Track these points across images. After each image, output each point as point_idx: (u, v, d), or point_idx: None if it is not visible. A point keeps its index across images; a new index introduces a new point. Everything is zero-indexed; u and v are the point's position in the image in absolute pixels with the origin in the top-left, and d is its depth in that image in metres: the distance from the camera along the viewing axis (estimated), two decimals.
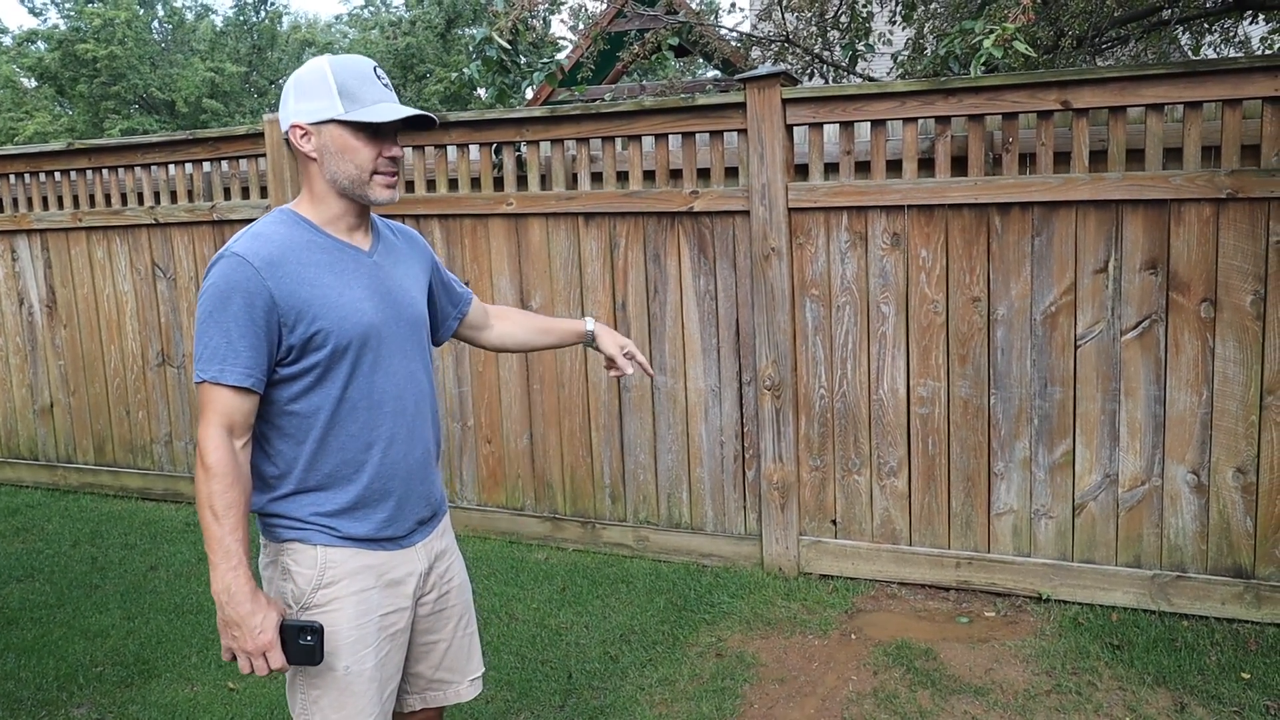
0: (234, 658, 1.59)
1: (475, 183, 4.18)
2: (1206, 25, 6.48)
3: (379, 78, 1.65)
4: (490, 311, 2.12)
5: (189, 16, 29.11)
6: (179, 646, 3.38)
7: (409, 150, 4.25)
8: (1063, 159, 3.30)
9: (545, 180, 4.06)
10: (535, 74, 5.05)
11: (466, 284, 4.19)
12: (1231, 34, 7.04)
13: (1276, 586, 3.20)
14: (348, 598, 1.67)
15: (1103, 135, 3.24)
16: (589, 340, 2.14)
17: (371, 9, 30.34)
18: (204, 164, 4.70)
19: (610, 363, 2.13)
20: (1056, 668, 3.03)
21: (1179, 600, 3.31)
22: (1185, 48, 6.86)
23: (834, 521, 3.75)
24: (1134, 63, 5.75)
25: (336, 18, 33.67)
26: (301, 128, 1.63)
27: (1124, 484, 3.34)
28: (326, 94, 1.61)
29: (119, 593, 3.87)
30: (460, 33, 25.74)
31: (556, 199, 3.99)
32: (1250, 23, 6.92)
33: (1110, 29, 4.90)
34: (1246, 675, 2.93)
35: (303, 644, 1.59)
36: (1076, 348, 3.34)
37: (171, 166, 4.76)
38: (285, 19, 31.85)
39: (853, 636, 3.30)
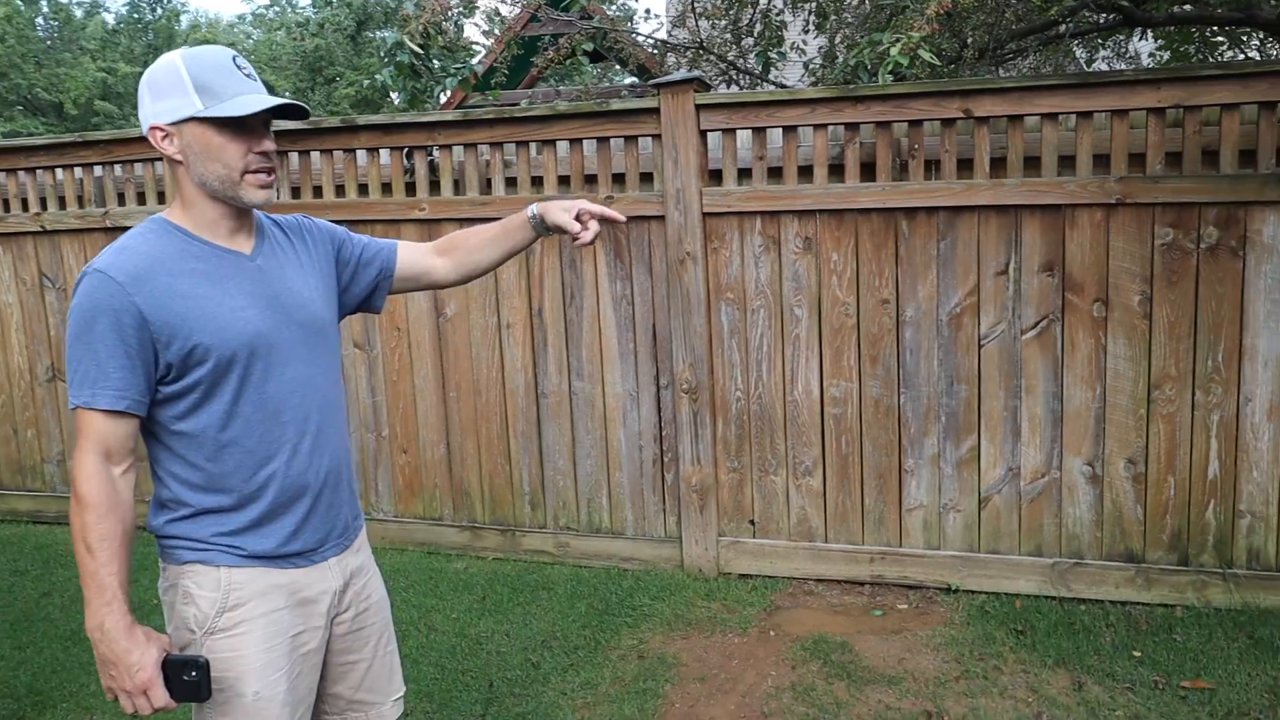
0: (116, 697, 1.52)
1: (386, 188, 4.11)
2: (1100, 40, 6.81)
3: (239, 68, 1.56)
4: (430, 249, 1.94)
5: (77, 13, 27.86)
6: (76, 675, 3.22)
7: (316, 154, 4.16)
8: (966, 165, 3.43)
9: (459, 185, 4.02)
10: (448, 79, 5.00)
11: None
12: (1123, 49, 7.42)
13: (1164, 570, 3.37)
14: (255, 620, 1.60)
15: (1003, 143, 3.38)
16: (539, 227, 1.85)
17: (276, 9, 29.55)
18: (95, 168, 4.49)
19: (571, 234, 1.80)
20: (965, 655, 3.13)
21: (1077, 586, 3.46)
22: (1080, 61, 7.19)
23: (752, 522, 3.81)
24: (1033, 74, 6.01)
25: (239, 17, 32.71)
26: (161, 129, 1.54)
27: (1026, 477, 3.48)
28: (181, 90, 1.52)
29: (8, 621, 3.67)
30: (371, 35, 25.28)
31: (470, 204, 3.95)
32: (1140, 39, 7.30)
33: (1010, 41, 5.11)
34: (1138, 653, 3.08)
35: (187, 680, 1.51)
36: (980, 347, 3.47)
37: (59, 170, 4.54)
38: (184, 18, 30.78)
39: (772, 633, 3.36)
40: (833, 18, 5.53)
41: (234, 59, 1.57)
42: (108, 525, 1.48)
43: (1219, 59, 6.42)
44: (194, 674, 1.51)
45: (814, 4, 5.56)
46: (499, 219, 4.11)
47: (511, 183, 3.97)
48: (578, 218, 1.81)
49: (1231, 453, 3.29)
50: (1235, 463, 3.29)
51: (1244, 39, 6.49)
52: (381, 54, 4.77)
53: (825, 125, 3.48)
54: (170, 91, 1.53)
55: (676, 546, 3.88)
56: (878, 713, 2.83)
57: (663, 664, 3.15)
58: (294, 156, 4.18)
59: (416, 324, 4.11)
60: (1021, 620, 3.34)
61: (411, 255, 1.93)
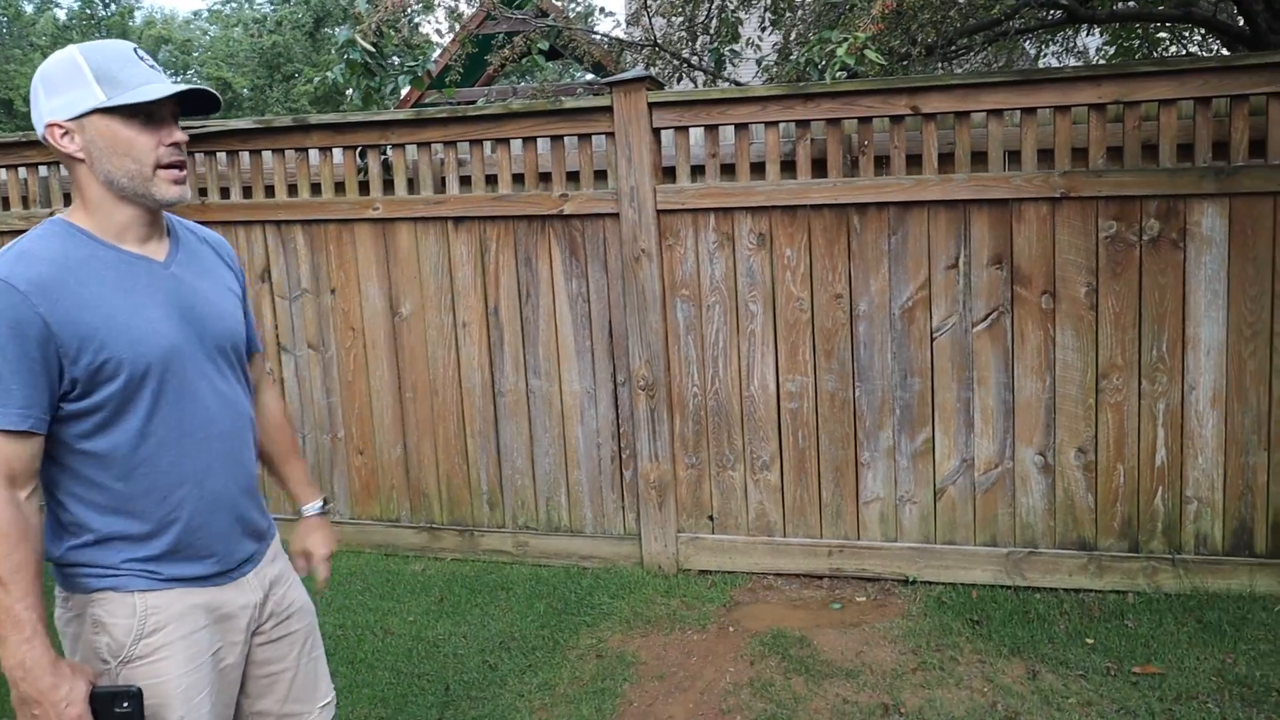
0: None
1: (339, 187, 4.07)
2: (1049, 36, 6.92)
3: (142, 59, 1.48)
4: (260, 384, 1.87)
5: (28, 9, 27.25)
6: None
7: (268, 154, 4.11)
8: (915, 161, 3.46)
9: (412, 184, 3.99)
10: (401, 77, 4.96)
11: (333, 291, 4.09)
12: (1071, 44, 7.54)
13: (1116, 556, 3.44)
14: (175, 644, 1.52)
15: (950, 139, 3.41)
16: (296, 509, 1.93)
17: (233, 5, 29.11)
18: (40, 168, 4.40)
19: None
20: (922, 646, 3.17)
21: (1031, 574, 3.51)
22: (1029, 56, 7.30)
23: (711, 517, 3.82)
24: (978, 71, 6.08)
25: (195, 13, 32.14)
26: (60, 125, 1.43)
27: (979, 468, 3.53)
28: (82, 82, 1.42)
29: None
30: (330, 32, 24.98)
31: (424, 203, 3.92)
32: (1087, 34, 7.42)
33: (959, 38, 5.17)
34: (1090, 640, 3.13)
35: (119, 712, 1.43)
36: (933, 340, 3.51)
37: (4, 170, 4.44)
38: (138, 14, 30.21)
39: (731, 629, 3.37)
40: (787, 14, 5.56)
41: (135, 50, 1.49)
42: (19, 556, 1.37)
43: (1162, 54, 6.54)
44: (126, 705, 1.43)
45: (769, 0, 5.58)
46: (454, 218, 4.09)
47: (466, 181, 3.94)
48: (308, 555, 1.89)
49: (1178, 440, 3.35)
50: (1181, 450, 3.35)
51: (1185, 35, 6.62)
52: (334, 51, 4.72)
53: (777, 122, 3.50)
54: (68, 85, 1.43)
55: (636, 544, 3.89)
56: (835, 706, 2.85)
57: (621, 663, 3.15)
58: (245, 155, 4.13)
59: (372, 323, 4.07)
60: (977, 610, 3.38)
61: (258, 368, 1.86)
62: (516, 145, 3.86)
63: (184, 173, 1.51)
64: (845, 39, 3.05)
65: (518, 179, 3.89)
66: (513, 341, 3.92)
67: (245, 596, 1.64)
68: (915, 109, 3.33)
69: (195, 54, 28.38)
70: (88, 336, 1.42)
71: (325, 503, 1.94)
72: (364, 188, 4.04)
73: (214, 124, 4.03)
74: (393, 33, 4.88)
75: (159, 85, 1.46)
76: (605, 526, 3.95)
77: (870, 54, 2.97)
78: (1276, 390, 3.25)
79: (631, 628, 3.40)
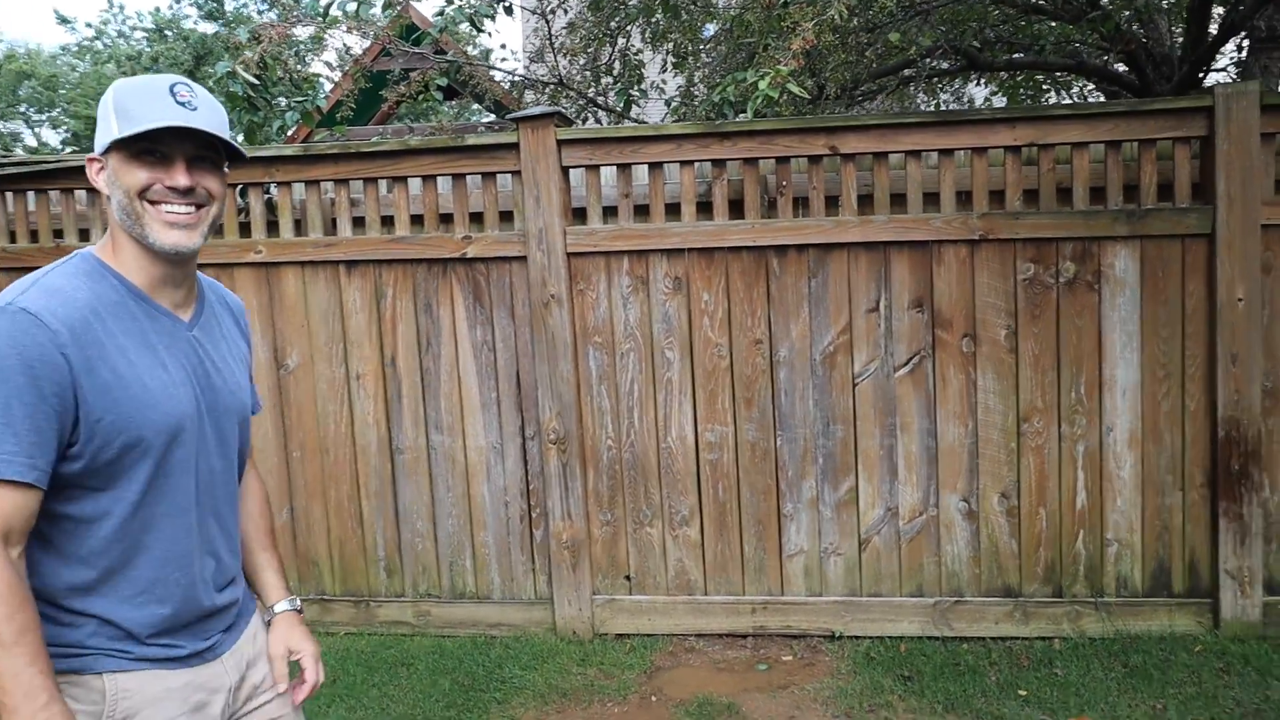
0: None
1: (217, 228, 3.73)
2: (941, 85, 7.11)
3: (174, 94, 1.35)
4: (245, 463, 1.67)
5: None
6: None
7: None
8: (833, 202, 3.38)
9: (300, 226, 3.69)
10: (288, 113, 4.65)
11: None
12: (961, 94, 7.80)
13: (1041, 602, 3.37)
14: None
15: (869, 180, 3.35)
16: (264, 613, 1.68)
17: (106, 40, 27.82)
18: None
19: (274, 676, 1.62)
20: (854, 707, 3.01)
21: (959, 624, 3.41)
22: (922, 104, 7.49)
23: (628, 577, 3.60)
24: (895, 112, 6.17)
25: (63, 48, 30.47)
26: (96, 160, 1.38)
27: (904, 516, 3.42)
28: (106, 117, 1.35)
29: None
30: (211, 69, 24.15)
31: (314, 246, 3.62)
32: (975, 84, 7.68)
33: (868, 80, 5.21)
34: (1023, 692, 3.04)
35: None
36: (854, 386, 3.41)
37: None
38: None
39: (653, 698, 3.14)
40: (691, 59, 5.51)
41: (173, 86, 1.36)
42: (25, 616, 1.22)
43: (1045, 104, 6.80)
44: None
45: (672, 44, 5.52)
46: (347, 262, 3.80)
47: (359, 222, 3.67)
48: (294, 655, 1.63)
49: (1097, 482, 3.33)
50: (1101, 492, 3.33)
51: (1069, 85, 6.91)
52: (213, 84, 4.39)
53: (692, 162, 3.37)
54: (101, 120, 1.37)
55: (548, 608, 3.62)
56: None
57: None
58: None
59: (254, 378, 3.72)
60: (907, 665, 3.25)
61: (247, 442, 1.68)
62: (415, 184, 3.62)
63: (184, 216, 1.35)
64: (766, 73, 2.95)
65: (416, 220, 3.64)
66: (412, 394, 3.64)
67: (220, 679, 1.49)
68: (834, 149, 3.25)
69: (62, 90, 26.96)
70: (103, 391, 1.29)
71: (299, 600, 1.72)
72: (245, 229, 3.72)
73: (69, 159, 3.65)
74: (278, 67, 4.59)
75: (158, 120, 1.32)
76: (515, 591, 3.67)
77: (793, 87, 2.87)
78: (1189, 431, 3.27)
79: (546, 702, 3.14)
